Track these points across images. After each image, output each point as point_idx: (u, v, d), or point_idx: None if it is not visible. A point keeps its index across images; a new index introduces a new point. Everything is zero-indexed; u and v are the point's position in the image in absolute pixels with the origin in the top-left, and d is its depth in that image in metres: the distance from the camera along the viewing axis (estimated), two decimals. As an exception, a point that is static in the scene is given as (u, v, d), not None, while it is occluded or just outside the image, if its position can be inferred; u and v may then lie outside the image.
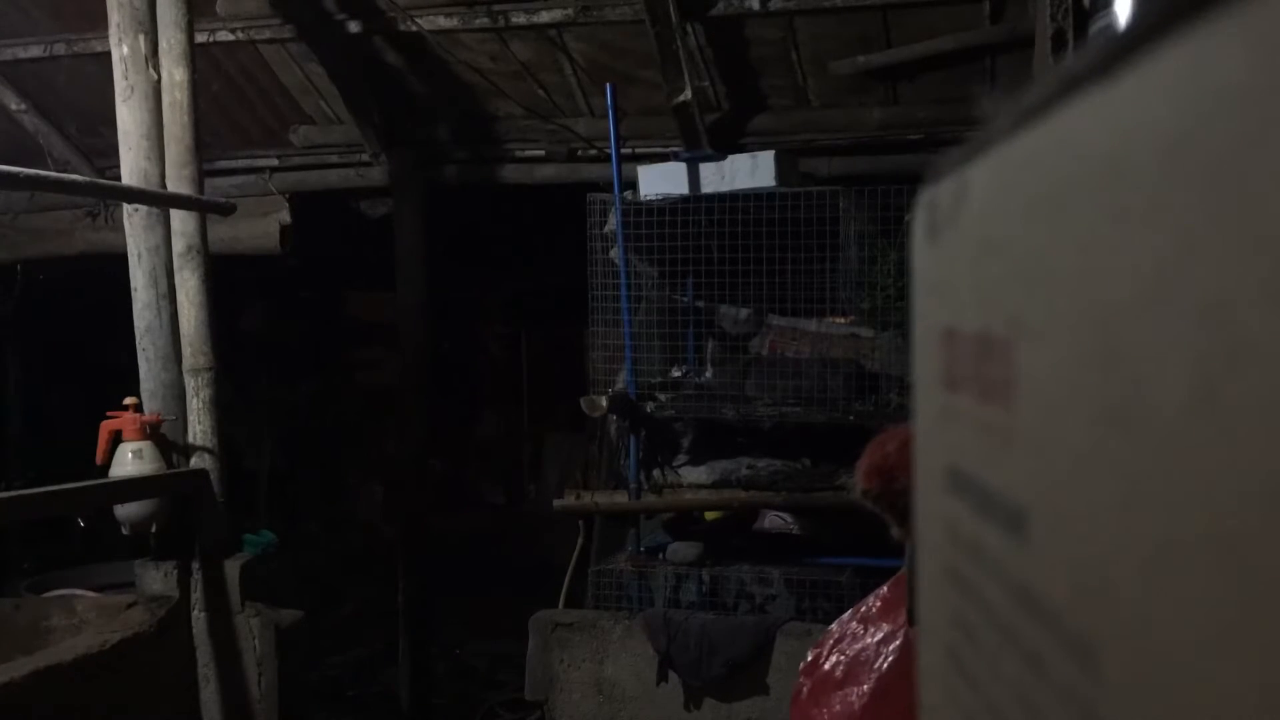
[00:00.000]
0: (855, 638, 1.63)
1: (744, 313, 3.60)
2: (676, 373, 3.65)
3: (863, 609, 1.66)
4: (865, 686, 1.56)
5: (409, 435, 4.40)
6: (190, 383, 2.83)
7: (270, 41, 3.90)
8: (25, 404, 5.33)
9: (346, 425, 6.81)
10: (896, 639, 1.56)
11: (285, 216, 4.37)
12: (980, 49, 3.49)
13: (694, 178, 3.54)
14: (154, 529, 2.78)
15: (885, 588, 1.67)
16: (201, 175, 2.89)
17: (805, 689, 1.66)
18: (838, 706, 1.57)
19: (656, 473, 3.58)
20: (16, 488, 3.14)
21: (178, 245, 2.83)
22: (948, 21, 3.43)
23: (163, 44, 2.80)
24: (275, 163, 4.45)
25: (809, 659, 1.68)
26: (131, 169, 2.80)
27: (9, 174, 2.28)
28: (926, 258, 0.32)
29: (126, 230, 2.83)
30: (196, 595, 2.79)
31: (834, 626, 1.69)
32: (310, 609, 3.05)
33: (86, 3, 3.60)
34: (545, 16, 3.60)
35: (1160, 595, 0.19)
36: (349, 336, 7.01)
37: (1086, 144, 0.21)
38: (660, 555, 3.54)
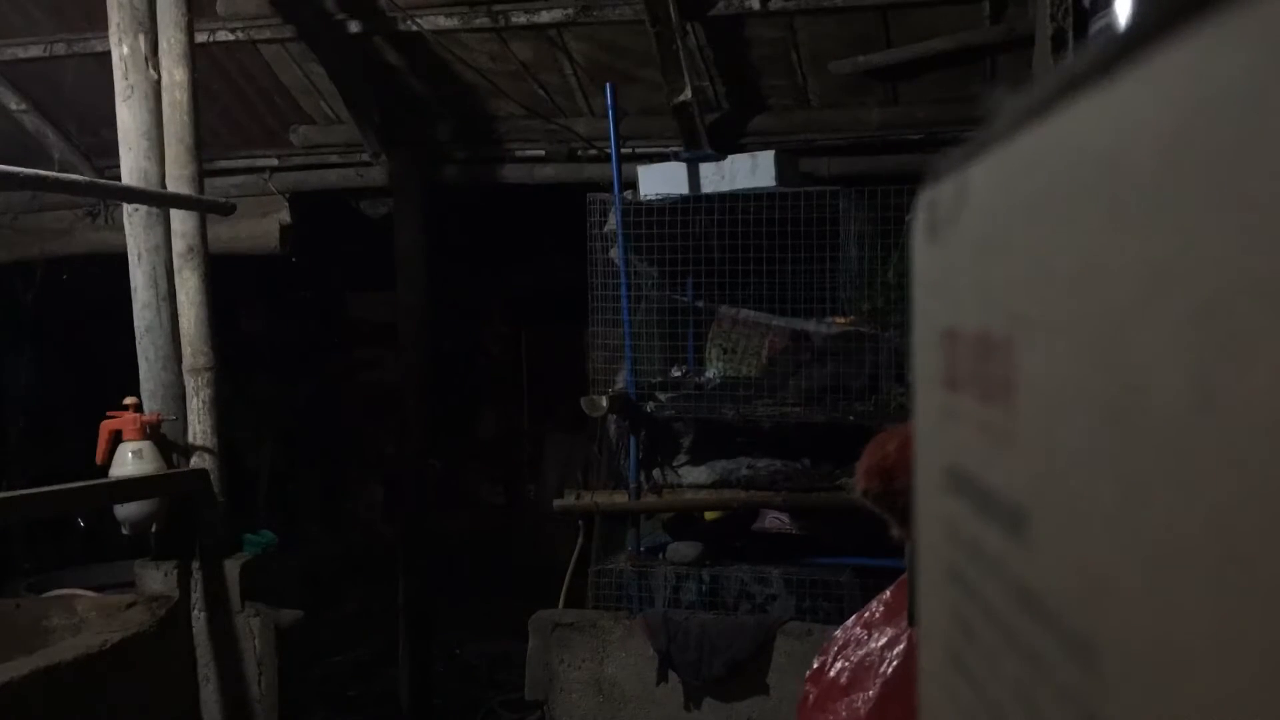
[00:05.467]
0: (859, 643, 1.63)
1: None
2: (676, 373, 3.65)
3: (866, 614, 1.66)
4: (870, 692, 1.56)
5: (409, 435, 4.40)
6: (190, 383, 2.83)
7: (270, 41, 3.90)
8: (26, 403, 5.33)
9: (346, 425, 6.81)
10: (900, 643, 1.56)
11: (285, 216, 4.37)
12: (980, 49, 3.49)
13: (694, 178, 3.54)
14: (154, 529, 2.78)
15: (888, 592, 1.67)
16: (201, 175, 2.89)
17: (811, 696, 1.66)
18: (844, 712, 1.57)
19: (656, 473, 3.58)
20: (17, 488, 3.14)
21: (178, 245, 2.83)
22: (948, 21, 3.43)
23: (163, 44, 2.80)
24: (275, 163, 4.45)
25: (814, 666, 1.68)
26: (131, 169, 2.80)
27: (9, 174, 2.28)
28: (926, 258, 0.32)
29: (126, 230, 2.83)
30: (196, 595, 2.79)
31: (838, 632, 1.69)
32: (310, 609, 3.05)
33: (86, 3, 3.60)
34: (545, 16, 3.60)
35: (1160, 595, 0.19)
36: (349, 336, 7.01)
37: (1086, 144, 0.21)
38: (660, 555, 3.54)
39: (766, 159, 3.49)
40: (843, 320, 3.48)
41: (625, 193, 3.56)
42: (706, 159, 3.57)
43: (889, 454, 1.02)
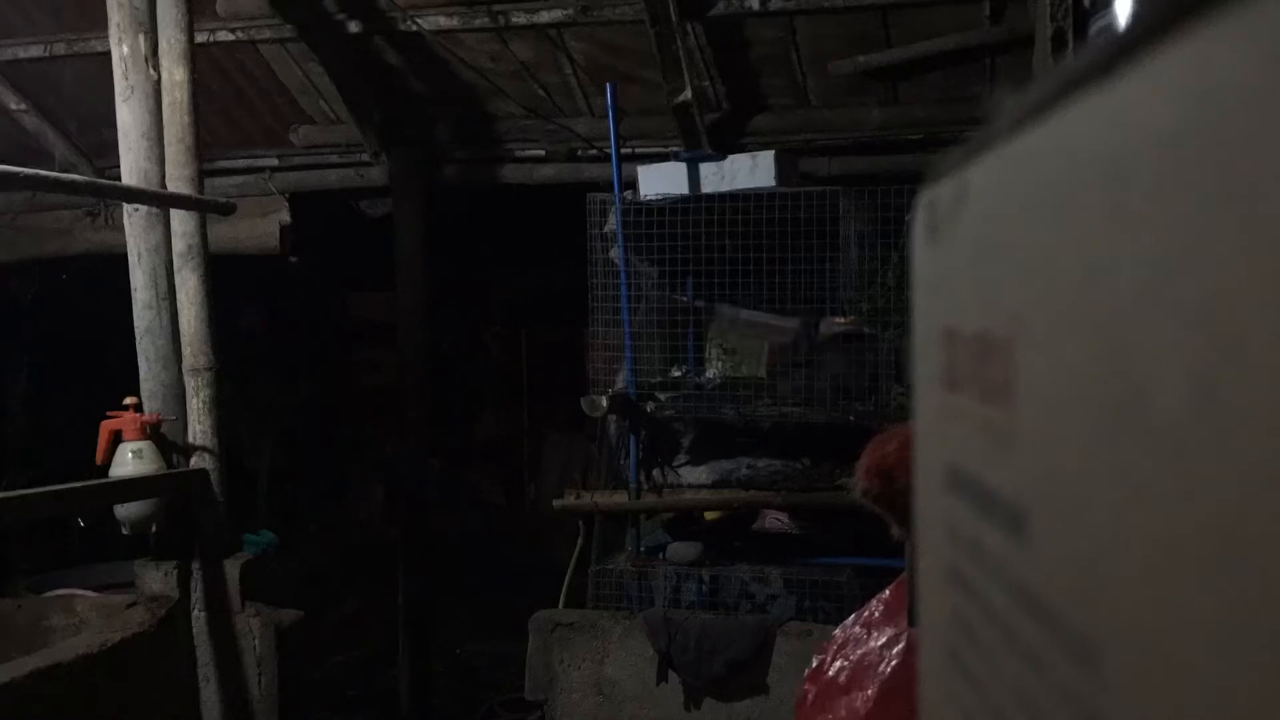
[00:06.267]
0: (859, 642, 1.63)
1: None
2: (676, 373, 3.65)
3: (865, 613, 1.66)
4: (869, 691, 1.56)
5: (409, 435, 4.40)
6: (190, 383, 2.83)
7: (270, 41, 3.90)
8: (26, 403, 5.33)
9: (346, 425, 6.81)
10: (900, 643, 1.56)
11: (285, 216, 4.37)
12: (980, 49, 3.49)
13: (694, 178, 3.54)
14: (154, 529, 2.78)
15: (888, 591, 1.67)
16: (201, 175, 2.89)
17: (810, 695, 1.66)
18: (842, 712, 1.57)
19: (656, 473, 3.58)
20: (17, 488, 3.14)
21: (178, 245, 2.83)
22: (948, 21, 3.43)
23: (163, 44, 2.80)
24: (275, 163, 4.45)
25: (814, 665, 1.68)
26: (131, 169, 2.80)
27: (9, 174, 2.28)
28: (926, 258, 0.32)
29: (126, 230, 2.83)
30: (196, 595, 2.78)
31: (838, 631, 1.69)
32: (310, 609, 3.05)
33: (86, 3, 3.60)
34: (545, 16, 3.60)
35: (1160, 595, 0.19)
36: (349, 336, 7.01)
37: (1086, 144, 0.21)
38: (660, 555, 3.54)
39: (766, 159, 3.49)
40: (843, 320, 3.48)
41: (625, 193, 3.56)
42: (706, 159, 3.57)
43: (889, 454, 1.02)
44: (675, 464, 3.61)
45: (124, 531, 2.76)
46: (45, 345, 5.26)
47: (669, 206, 3.53)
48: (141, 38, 2.79)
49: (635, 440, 3.54)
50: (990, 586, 0.27)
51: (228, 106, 4.23)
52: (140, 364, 2.82)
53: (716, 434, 3.63)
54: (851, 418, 3.31)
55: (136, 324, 2.82)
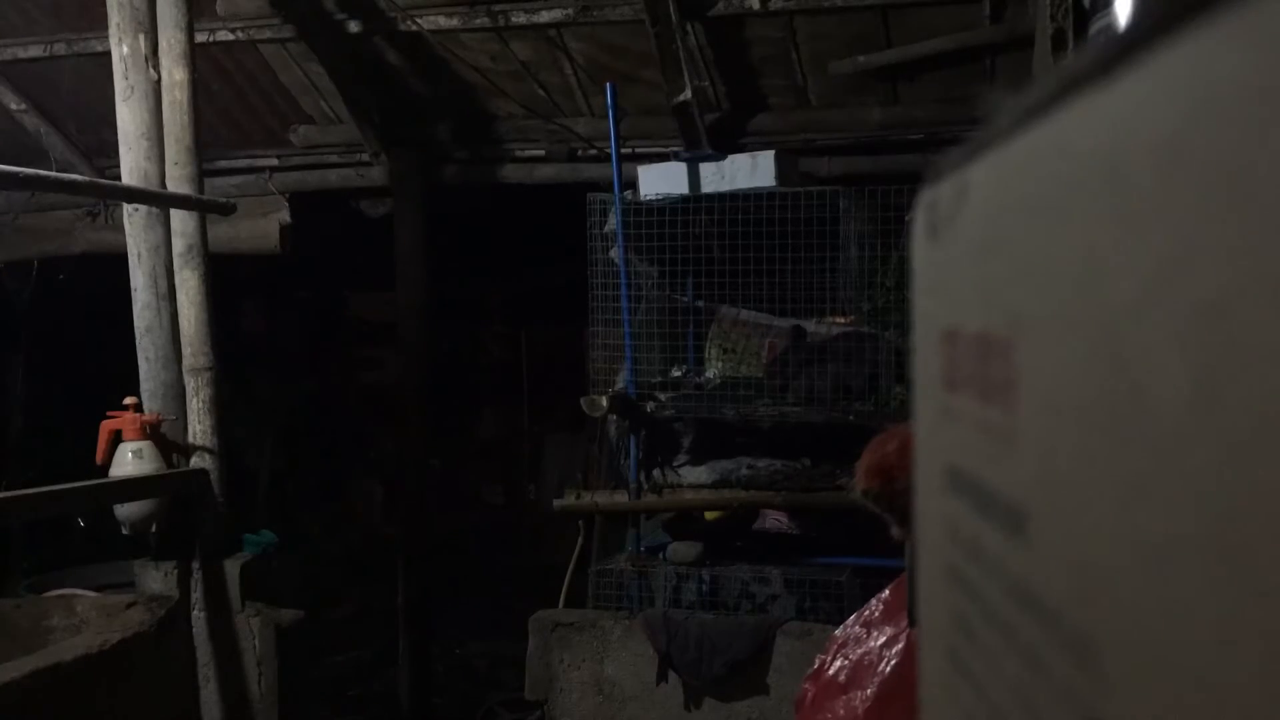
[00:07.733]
0: (858, 642, 1.63)
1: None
2: (676, 373, 3.65)
3: (865, 613, 1.67)
4: (868, 690, 1.56)
5: (409, 435, 4.40)
6: (190, 383, 2.83)
7: (270, 41, 3.90)
8: (26, 403, 5.33)
9: (346, 425, 6.81)
10: (899, 642, 1.56)
11: (285, 216, 4.37)
12: (980, 49, 3.49)
13: (694, 178, 3.54)
14: (154, 529, 2.78)
15: (887, 591, 1.67)
16: (201, 175, 2.89)
17: (810, 695, 1.66)
18: (841, 711, 1.57)
19: (656, 473, 3.58)
20: (17, 488, 3.14)
21: (178, 245, 2.83)
22: (948, 21, 3.43)
23: (163, 44, 2.80)
24: (275, 163, 4.45)
25: (815, 666, 1.69)
26: (131, 169, 2.80)
27: (9, 174, 2.28)
28: (926, 258, 0.32)
29: (126, 230, 2.84)
30: (196, 595, 2.79)
31: (838, 631, 1.69)
32: (310, 609, 3.05)
33: (86, 3, 3.60)
34: (545, 16, 3.60)
35: (1160, 595, 0.19)
36: (349, 336, 7.01)
37: (1086, 144, 0.21)
38: (660, 555, 3.54)
39: (766, 159, 3.49)
40: (843, 320, 3.48)
41: (625, 193, 3.56)
42: (706, 159, 3.57)
43: (889, 454, 1.02)
44: (675, 464, 3.60)
45: (124, 531, 2.77)
46: (45, 345, 5.26)
47: (669, 206, 3.53)
48: (141, 38, 2.79)
49: (635, 440, 3.54)
50: (990, 586, 0.27)
51: (228, 106, 4.23)
52: (140, 364, 2.82)
53: (716, 434, 3.63)
54: (851, 418, 3.31)
55: (136, 324, 2.82)
